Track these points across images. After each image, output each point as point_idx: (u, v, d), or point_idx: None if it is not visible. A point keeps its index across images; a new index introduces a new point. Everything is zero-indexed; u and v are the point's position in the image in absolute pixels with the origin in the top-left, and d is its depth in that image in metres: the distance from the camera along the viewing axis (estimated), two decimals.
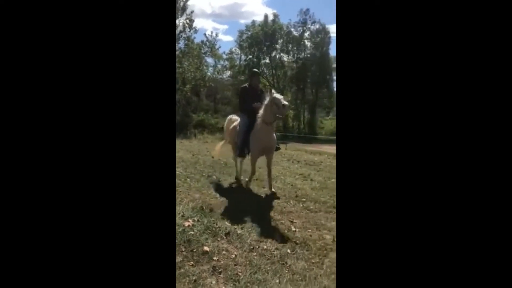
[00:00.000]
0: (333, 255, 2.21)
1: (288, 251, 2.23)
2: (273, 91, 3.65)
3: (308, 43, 27.63)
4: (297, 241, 2.41)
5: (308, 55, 27.26)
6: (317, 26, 27.25)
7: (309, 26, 27.36)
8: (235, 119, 4.40)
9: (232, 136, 4.27)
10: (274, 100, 3.46)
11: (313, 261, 2.11)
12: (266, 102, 3.57)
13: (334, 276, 1.90)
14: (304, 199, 3.59)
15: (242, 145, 3.96)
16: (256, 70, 4.72)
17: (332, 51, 27.00)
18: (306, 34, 27.53)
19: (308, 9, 27.28)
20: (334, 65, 30.06)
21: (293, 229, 2.71)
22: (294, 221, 2.91)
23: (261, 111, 3.63)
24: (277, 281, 1.82)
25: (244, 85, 4.29)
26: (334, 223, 2.86)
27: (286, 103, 3.42)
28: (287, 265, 2.03)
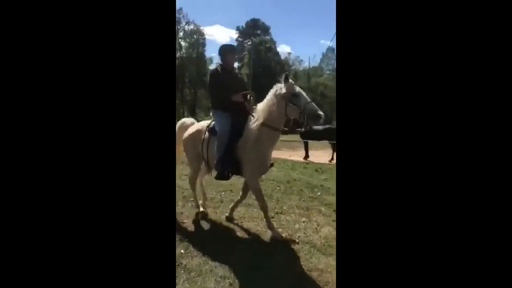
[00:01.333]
0: (227, 247, 2.33)
1: (182, 251, 2.20)
2: (290, 81, 2.30)
3: (183, 43, 27.29)
4: (190, 240, 2.40)
5: (184, 55, 26.97)
6: (192, 26, 27.28)
7: (183, 25, 27.05)
8: (191, 122, 3.04)
9: (192, 147, 2.82)
10: (297, 100, 2.21)
11: (207, 255, 2.15)
12: (275, 93, 2.31)
13: (229, 267, 2.00)
14: (192, 199, 3.59)
15: (225, 160, 2.45)
16: (230, 44, 3.03)
17: (208, 53, 27.65)
18: (181, 34, 27.11)
19: (181, 8, 26.86)
20: (210, 67, 30.93)
21: (187, 228, 2.68)
22: (184, 221, 2.88)
23: (260, 108, 2.39)
24: None
25: (215, 67, 2.80)
26: (222, 217, 3.00)
27: (321, 113, 2.16)
28: (182, 265, 2.00)
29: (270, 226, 2.52)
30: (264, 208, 2.50)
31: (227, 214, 2.92)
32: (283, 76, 2.34)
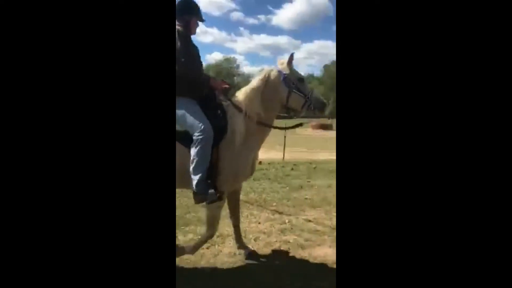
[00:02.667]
0: None
1: None
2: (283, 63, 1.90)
3: None
4: None
5: None
6: None
7: None
8: None
9: None
10: (303, 87, 1.85)
11: None
12: (270, 78, 1.86)
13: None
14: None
15: (209, 174, 1.74)
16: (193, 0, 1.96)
17: None
18: None
19: None
20: None
21: None
22: None
23: (247, 97, 1.85)
24: None
25: (179, 30, 1.86)
26: None
27: (326, 101, 1.89)
28: None
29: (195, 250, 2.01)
30: (208, 237, 1.97)
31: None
32: (288, 56, 1.87)
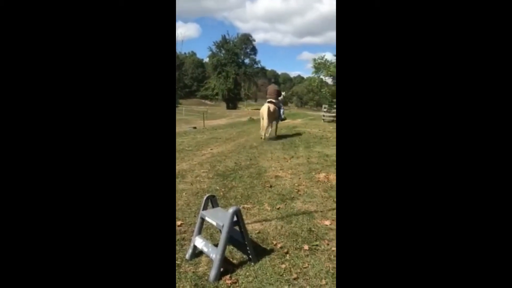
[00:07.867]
0: None
1: None
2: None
3: None
4: None
5: None
6: None
7: None
8: (267, 106, 7.04)
9: (273, 114, 7.18)
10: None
11: None
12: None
13: None
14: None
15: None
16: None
17: None
18: None
19: None
20: None
21: None
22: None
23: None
24: None
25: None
26: None
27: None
28: None
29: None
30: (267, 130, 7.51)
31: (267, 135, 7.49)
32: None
